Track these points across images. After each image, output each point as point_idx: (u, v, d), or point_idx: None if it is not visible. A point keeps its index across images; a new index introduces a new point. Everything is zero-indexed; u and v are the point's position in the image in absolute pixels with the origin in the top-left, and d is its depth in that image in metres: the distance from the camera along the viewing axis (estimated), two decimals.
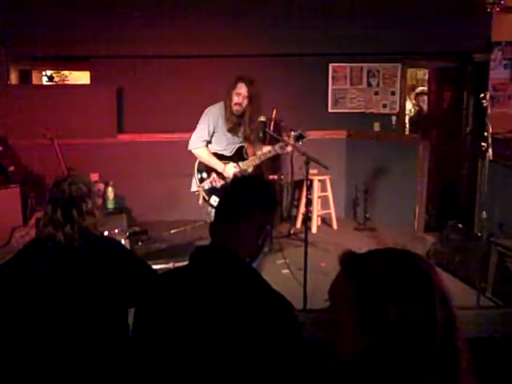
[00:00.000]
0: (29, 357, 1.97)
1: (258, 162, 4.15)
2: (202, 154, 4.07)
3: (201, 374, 1.37)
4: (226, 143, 4.09)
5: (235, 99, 3.99)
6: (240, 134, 4.10)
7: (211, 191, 4.07)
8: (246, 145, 4.15)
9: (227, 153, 4.11)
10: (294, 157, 4.31)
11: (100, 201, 5.13)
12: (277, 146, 4.08)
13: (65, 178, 2.20)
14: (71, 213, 2.07)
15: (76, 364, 1.96)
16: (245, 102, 3.99)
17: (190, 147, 4.10)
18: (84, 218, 2.09)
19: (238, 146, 4.13)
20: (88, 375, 1.96)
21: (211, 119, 4.04)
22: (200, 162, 4.11)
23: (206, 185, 4.07)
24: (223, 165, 4.05)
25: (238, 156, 4.12)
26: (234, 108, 3.99)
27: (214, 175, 4.07)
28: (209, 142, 4.11)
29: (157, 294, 1.54)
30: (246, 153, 4.16)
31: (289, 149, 4.05)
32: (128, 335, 2.03)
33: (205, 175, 4.09)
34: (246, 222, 1.53)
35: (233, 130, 4.06)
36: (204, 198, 4.08)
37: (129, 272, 2.11)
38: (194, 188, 4.15)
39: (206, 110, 4.12)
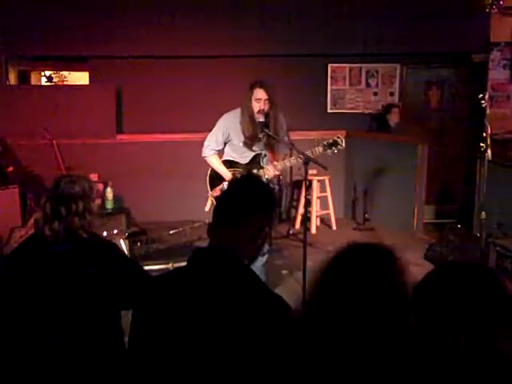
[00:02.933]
0: (17, 359, 1.95)
1: (275, 172, 3.87)
2: (211, 161, 3.94)
3: (198, 376, 1.37)
4: (242, 151, 3.88)
5: (257, 106, 3.75)
6: (258, 144, 3.86)
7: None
8: (264, 152, 3.91)
9: (243, 161, 3.90)
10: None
11: (98, 201, 5.11)
12: (295, 158, 3.78)
13: (68, 176, 2.18)
14: (59, 210, 2.03)
15: (63, 363, 1.93)
16: (267, 107, 3.76)
17: (202, 154, 3.97)
18: (72, 219, 2.04)
19: (254, 153, 3.90)
20: (78, 377, 1.94)
21: (222, 129, 3.86)
22: (213, 169, 3.98)
23: (215, 192, 3.93)
24: (230, 174, 3.84)
25: (255, 164, 3.91)
26: (257, 116, 3.76)
27: (224, 183, 3.89)
28: (222, 150, 3.93)
29: (155, 295, 1.54)
30: (265, 160, 3.94)
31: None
32: (121, 338, 2.01)
33: (216, 182, 3.95)
34: (245, 222, 1.52)
35: (251, 140, 3.81)
36: (212, 203, 3.96)
37: (117, 275, 2.05)
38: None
39: (221, 118, 3.92)
